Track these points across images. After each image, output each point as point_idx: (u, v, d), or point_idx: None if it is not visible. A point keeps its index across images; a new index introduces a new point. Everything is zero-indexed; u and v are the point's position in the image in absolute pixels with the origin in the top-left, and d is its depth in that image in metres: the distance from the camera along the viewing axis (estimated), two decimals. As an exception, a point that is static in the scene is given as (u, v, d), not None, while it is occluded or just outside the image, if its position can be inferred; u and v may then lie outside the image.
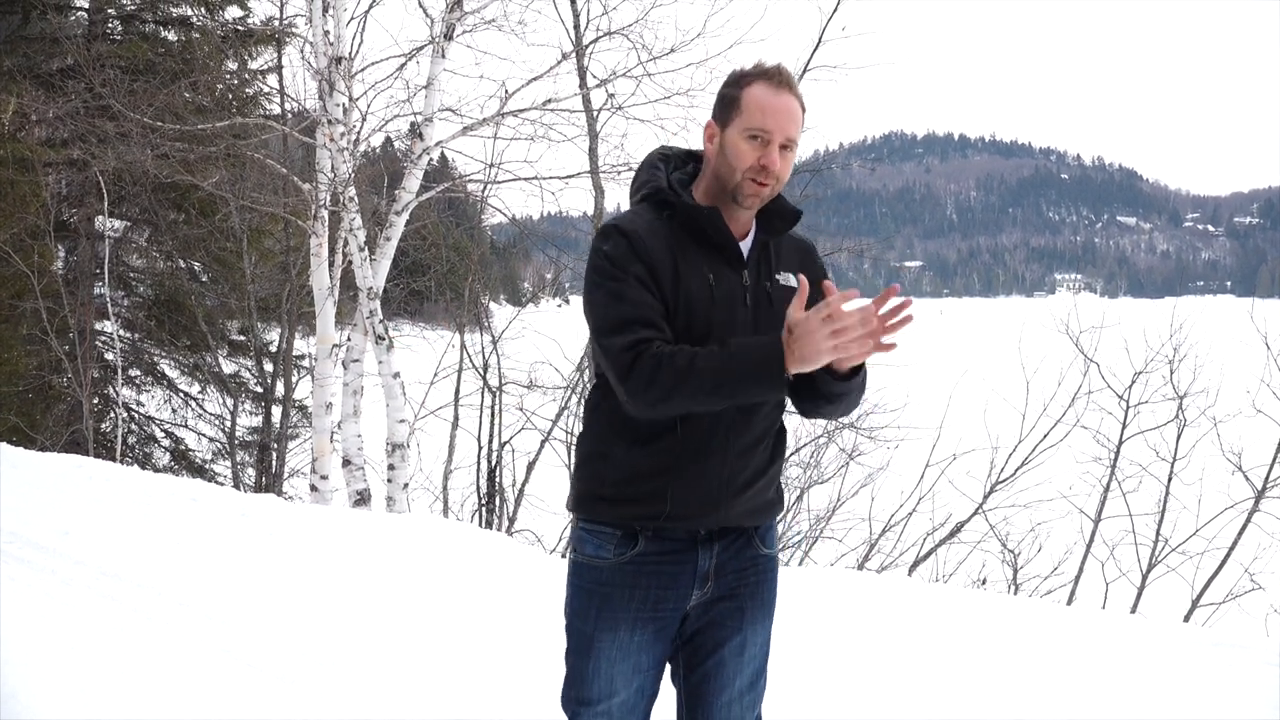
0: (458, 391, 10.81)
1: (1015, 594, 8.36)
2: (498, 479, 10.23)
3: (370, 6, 9.47)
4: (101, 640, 3.47)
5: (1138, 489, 8.90)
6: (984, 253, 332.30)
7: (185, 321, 12.46)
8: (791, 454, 9.54)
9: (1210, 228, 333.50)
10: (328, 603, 4.24)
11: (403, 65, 9.58)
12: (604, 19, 9.60)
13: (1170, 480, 8.78)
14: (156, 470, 11.68)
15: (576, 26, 9.68)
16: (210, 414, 13.24)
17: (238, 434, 12.78)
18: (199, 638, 3.66)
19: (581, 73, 9.62)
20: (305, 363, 12.71)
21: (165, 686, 3.20)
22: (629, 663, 2.00)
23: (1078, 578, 8.80)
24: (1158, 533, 8.65)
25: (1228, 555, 8.26)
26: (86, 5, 11.89)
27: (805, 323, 1.76)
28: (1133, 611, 8.03)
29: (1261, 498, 8.33)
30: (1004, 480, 9.24)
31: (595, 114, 9.71)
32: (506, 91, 9.31)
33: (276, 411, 12.68)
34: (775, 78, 1.92)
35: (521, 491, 10.03)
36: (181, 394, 13.30)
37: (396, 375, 8.93)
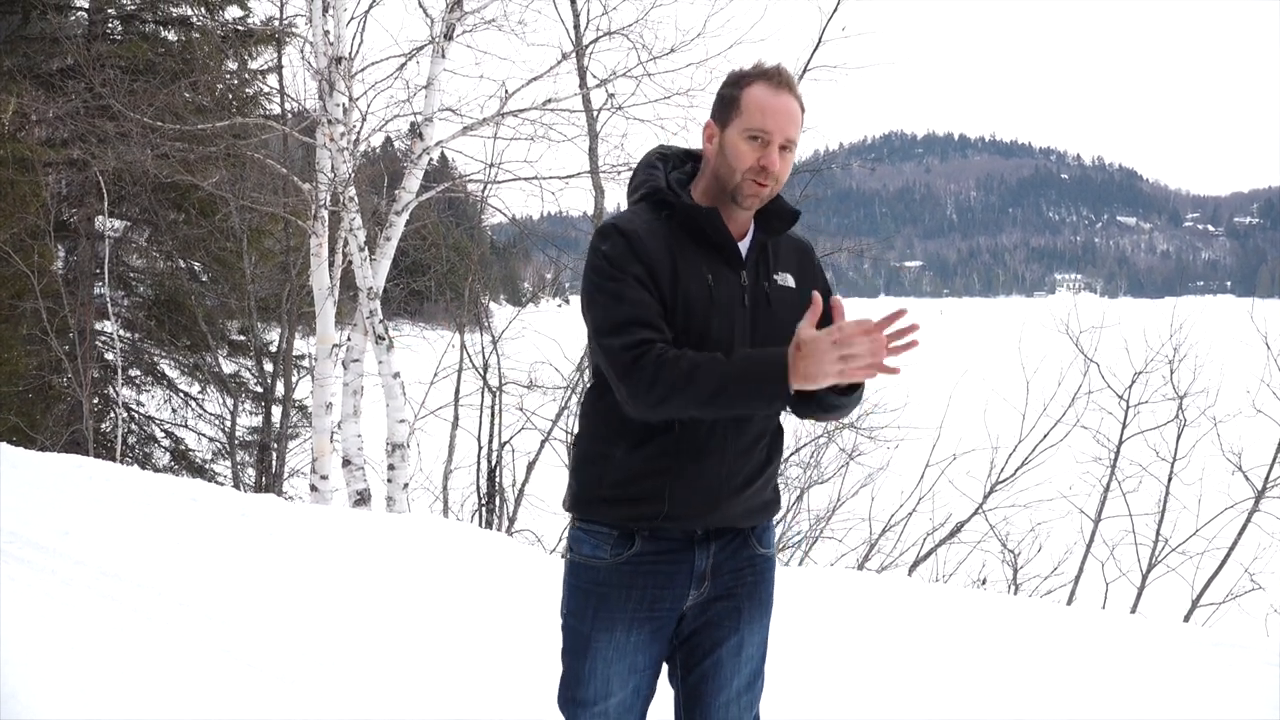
0: (458, 391, 10.81)
1: (1015, 594, 8.36)
2: (498, 479, 10.23)
3: (370, 6, 9.49)
4: (101, 640, 3.47)
5: (1138, 489, 8.90)
6: (984, 253, 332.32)
7: (185, 321, 12.46)
8: (791, 454, 9.55)
9: (1210, 228, 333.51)
10: (328, 603, 4.24)
11: (403, 65, 9.59)
12: (604, 19, 9.62)
13: (1170, 480, 8.78)
14: (156, 470, 11.68)
15: (576, 26, 9.69)
16: (210, 414, 13.24)
17: (238, 434, 12.78)
18: (199, 638, 3.66)
19: (581, 73, 9.62)
20: (305, 363, 12.71)
21: (165, 686, 3.20)
22: (625, 663, 2.00)
23: (1078, 578, 8.80)
24: (1158, 533, 8.65)
25: (1228, 555, 8.26)
26: (86, 5, 11.89)
27: (815, 342, 1.75)
28: (1133, 611, 8.03)
29: (1261, 498, 8.33)
30: (1004, 480, 9.24)
31: (595, 114, 9.72)
32: (506, 91, 9.32)
33: (276, 411, 12.68)
34: (775, 78, 1.92)
35: (521, 491, 10.03)
36: (181, 394, 13.30)
37: (396, 375, 8.93)
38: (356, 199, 9.07)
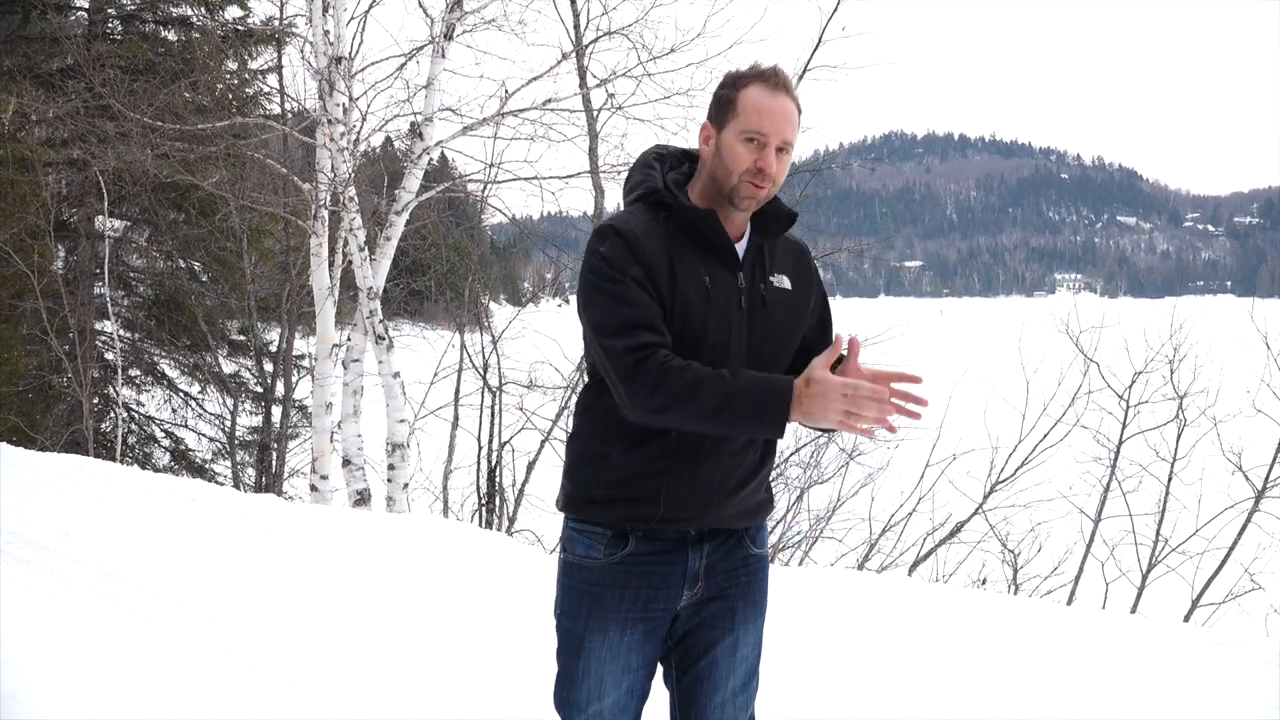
0: (458, 391, 10.81)
1: (1015, 594, 8.36)
2: (498, 479, 10.23)
3: (370, 6, 9.49)
4: (101, 640, 3.47)
5: (1138, 489, 8.89)
6: (984, 253, 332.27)
7: (185, 321, 12.46)
8: (791, 454, 9.55)
9: (1210, 228, 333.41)
10: (328, 603, 4.24)
11: (403, 65, 9.59)
12: (604, 19, 9.61)
13: (1170, 480, 8.77)
14: (156, 470, 11.68)
15: (576, 26, 9.69)
16: (210, 414, 13.24)
17: (238, 434, 12.78)
18: (199, 638, 3.66)
19: (581, 73, 9.63)
20: (305, 363, 12.71)
21: (165, 686, 3.20)
22: (619, 663, 1.99)
23: (1078, 578, 8.80)
24: (1158, 533, 8.65)
25: (1228, 555, 8.25)
26: (86, 5, 11.89)
27: (827, 385, 1.75)
28: (1133, 611, 8.03)
29: (1261, 498, 8.33)
30: (1004, 480, 9.24)
31: (595, 114, 9.72)
32: (506, 91, 9.32)
33: (276, 411, 12.68)
34: (771, 79, 1.91)
35: (521, 491, 10.03)
36: (181, 394, 13.30)
37: (396, 375, 8.93)
38: (356, 199, 9.07)
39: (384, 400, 9.01)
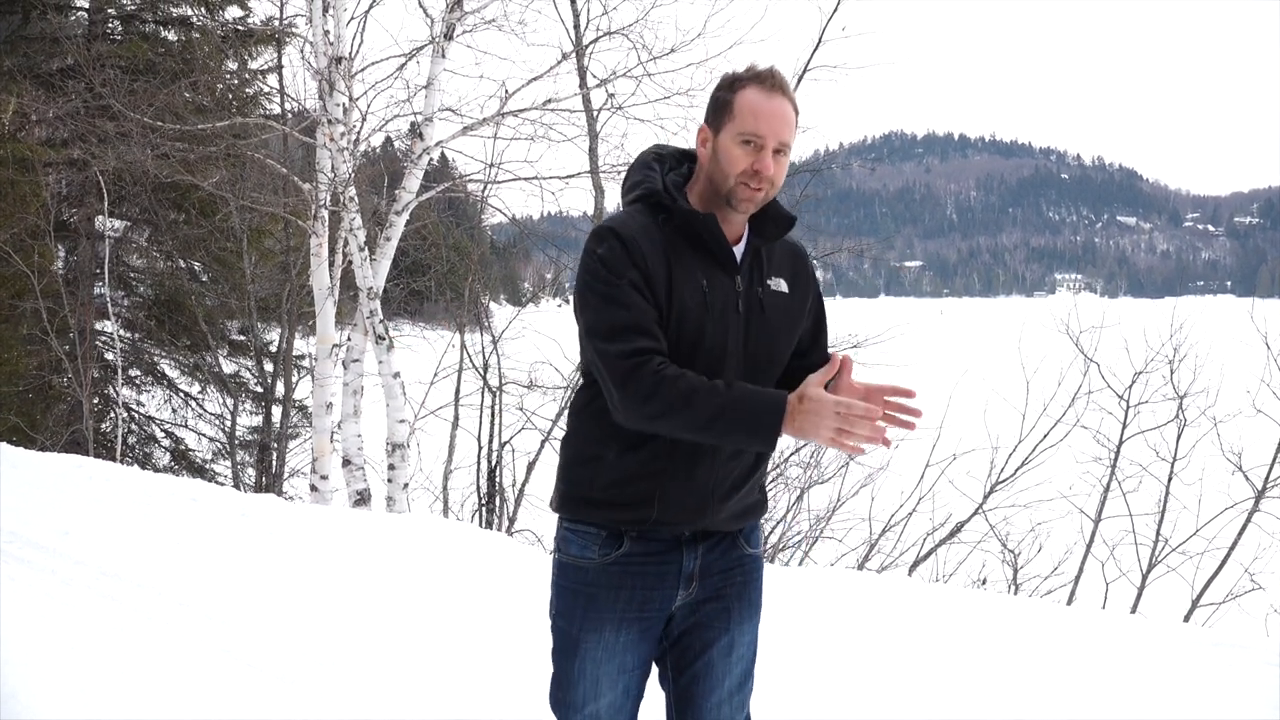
0: (458, 391, 10.81)
1: (1015, 594, 8.35)
2: (498, 479, 10.23)
3: (370, 6, 9.49)
4: (101, 640, 3.47)
5: (1138, 489, 8.89)
6: (984, 253, 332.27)
7: (185, 321, 12.46)
8: (791, 454, 9.54)
9: (1210, 228, 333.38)
10: (328, 603, 4.24)
11: (403, 65, 9.59)
12: (604, 19, 9.62)
13: (1170, 480, 8.77)
14: (156, 470, 11.68)
15: (576, 26, 9.69)
16: (210, 414, 13.24)
17: (238, 434, 12.78)
18: (199, 638, 3.66)
19: (581, 73, 9.63)
20: (305, 363, 12.71)
21: (165, 686, 3.20)
22: (614, 663, 1.99)
23: (1078, 578, 8.80)
24: (1158, 533, 8.65)
25: (1228, 555, 8.25)
26: (86, 5, 11.89)
27: (820, 403, 1.75)
28: (1133, 611, 8.03)
29: (1261, 498, 8.32)
30: (1004, 480, 9.23)
31: (595, 114, 9.72)
32: (506, 91, 9.32)
33: (276, 411, 12.68)
34: (768, 81, 1.90)
35: (521, 491, 10.03)
36: (181, 394, 13.30)
37: (396, 375, 8.93)
38: (356, 199, 9.07)
39: (384, 400, 9.00)
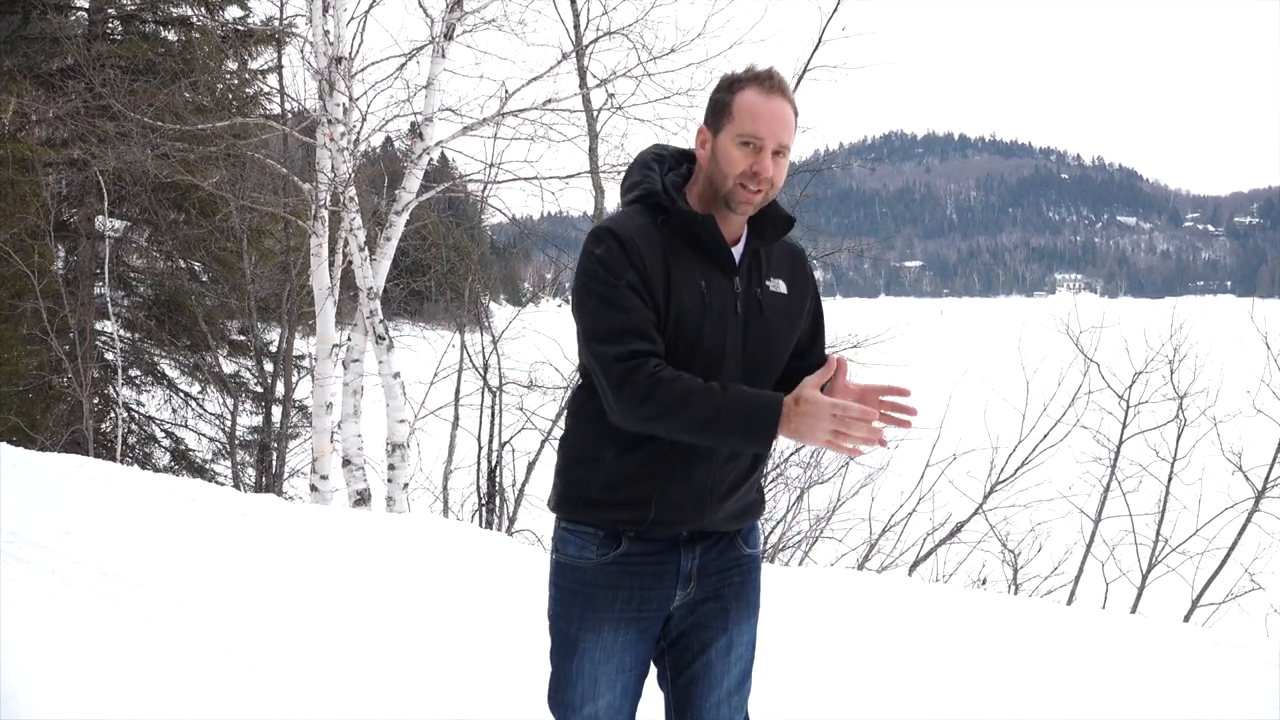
0: (458, 391, 10.81)
1: (1015, 594, 8.35)
2: (498, 479, 10.24)
3: (370, 6, 9.49)
4: (101, 640, 3.47)
5: (1138, 489, 8.89)
6: (984, 253, 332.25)
7: (185, 321, 12.47)
8: (791, 454, 9.54)
9: (1210, 228, 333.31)
10: (328, 603, 4.24)
11: (403, 65, 9.59)
12: (604, 19, 9.61)
13: (1170, 480, 8.77)
14: (156, 470, 11.68)
15: (576, 26, 9.69)
16: (210, 414, 13.24)
17: (238, 434, 12.78)
18: (199, 638, 3.66)
19: (581, 73, 9.63)
20: (305, 363, 12.71)
21: (165, 686, 3.20)
22: (613, 663, 1.99)
23: (1078, 578, 8.80)
24: (1158, 533, 8.65)
25: (1228, 555, 8.25)
26: (86, 5, 11.90)
27: (817, 405, 1.75)
28: (1133, 611, 8.03)
29: (1261, 498, 8.33)
30: (1004, 480, 9.23)
31: (595, 114, 9.72)
32: (506, 91, 9.32)
33: (276, 411, 12.68)
34: (767, 82, 1.90)
35: (521, 491, 10.03)
36: (181, 394, 13.30)
37: (396, 375, 8.93)
38: (356, 199, 9.07)
39: (384, 400, 9.01)
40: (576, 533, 2.01)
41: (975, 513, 9.16)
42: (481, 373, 10.57)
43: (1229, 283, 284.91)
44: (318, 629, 3.91)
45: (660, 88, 9.23)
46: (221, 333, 13.16)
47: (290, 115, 11.74)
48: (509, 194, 44.27)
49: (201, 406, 13.30)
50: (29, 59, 11.33)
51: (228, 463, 12.69)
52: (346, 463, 9.06)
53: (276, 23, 11.38)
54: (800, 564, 9.06)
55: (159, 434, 13.16)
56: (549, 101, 9.40)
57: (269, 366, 13.11)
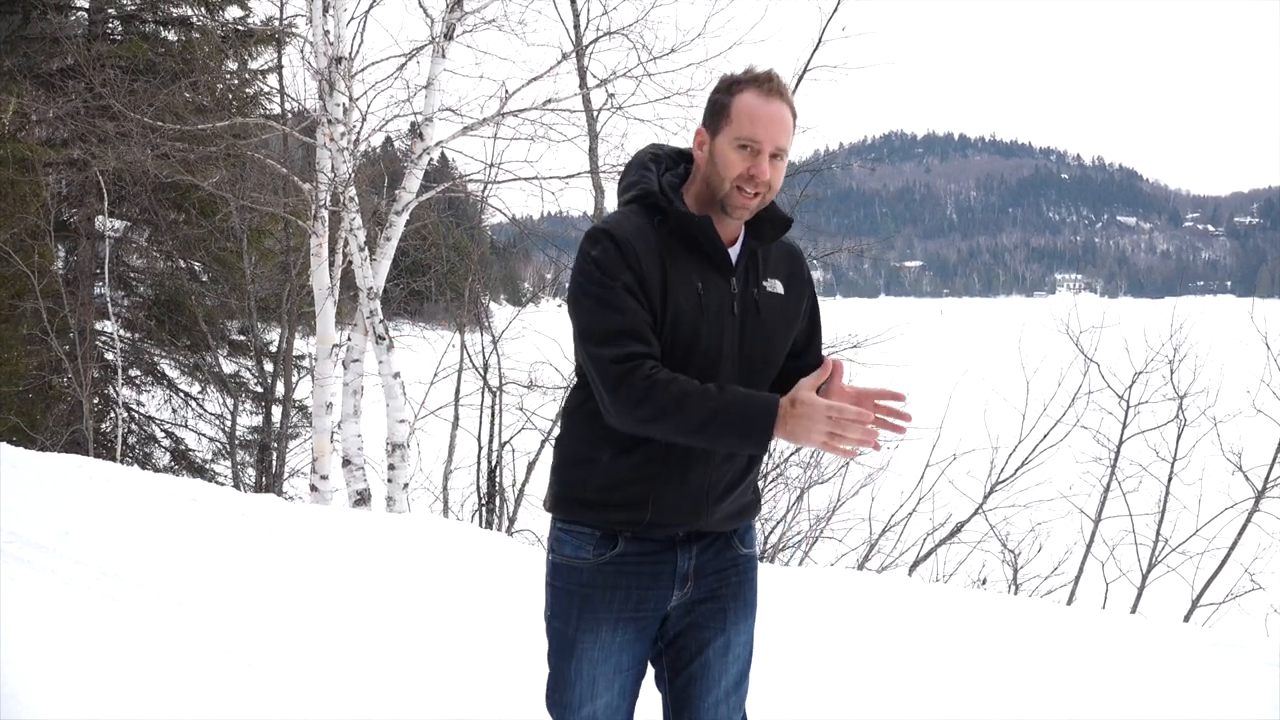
0: (458, 391, 10.81)
1: (1015, 594, 8.35)
2: (498, 479, 10.24)
3: (370, 6, 9.49)
4: (101, 640, 3.47)
5: (1138, 489, 8.89)
6: (984, 253, 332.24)
7: (185, 321, 12.47)
8: (791, 454, 9.54)
9: (1210, 228, 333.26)
10: (328, 603, 4.24)
11: (403, 65, 9.59)
12: (604, 19, 9.61)
13: (1170, 480, 8.77)
14: (156, 470, 11.68)
15: (576, 26, 9.69)
16: (210, 414, 13.25)
17: (238, 434, 12.78)
18: (199, 638, 3.66)
19: (581, 73, 9.63)
20: (305, 363, 12.71)
21: (165, 686, 3.20)
22: (611, 663, 1.99)
23: (1078, 578, 8.80)
24: (1158, 533, 8.65)
25: (1228, 555, 8.25)
26: (86, 5, 11.90)
27: (812, 407, 1.75)
28: (1133, 611, 8.03)
29: (1261, 498, 8.32)
30: (1004, 480, 9.23)
31: (595, 114, 9.73)
32: (506, 91, 9.32)
33: (276, 411, 12.68)
34: (765, 85, 1.89)
35: (521, 491, 10.03)
36: (181, 394, 13.30)
37: (396, 375, 8.93)
38: (356, 199, 9.07)
39: (384, 400, 9.01)
40: (573, 533, 2.01)
41: (975, 513, 9.16)
42: (481, 373, 10.57)
43: (1229, 283, 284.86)
44: (318, 629, 3.91)
45: (660, 88, 9.24)
46: (221, 333, 13.16)
47: (290, 115, 11.74)
48: (509, 194, 44.36)
49: (201, 406, 13.30)
50: (29, 59, 11.33)
51: (228, 463, 12.69)
52: (346, 463, 9.06)
53: (276, 23, 11.38)
54: (800, 564, 9.06)
55: (159, 434, 13.17)
56: (549, 101, 9.40)
57: (269, 366, 13.11)
